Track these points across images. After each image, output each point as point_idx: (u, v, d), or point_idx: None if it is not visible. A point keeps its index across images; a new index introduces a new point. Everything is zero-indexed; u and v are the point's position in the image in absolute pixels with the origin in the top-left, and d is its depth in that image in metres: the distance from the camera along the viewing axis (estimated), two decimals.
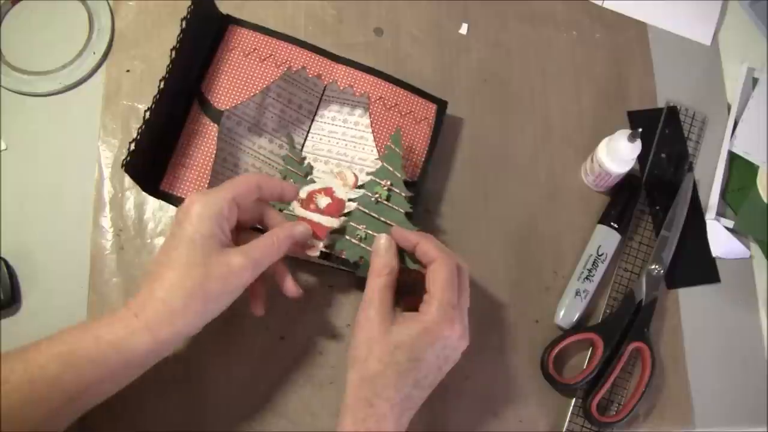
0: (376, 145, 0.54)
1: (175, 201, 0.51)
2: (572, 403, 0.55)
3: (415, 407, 0.45)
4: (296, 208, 0.50)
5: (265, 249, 0.44)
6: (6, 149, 0.56)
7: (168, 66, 0.50)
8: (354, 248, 0.50)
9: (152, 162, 0.51)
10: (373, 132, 0.54)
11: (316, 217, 0.50)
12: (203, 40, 0.54)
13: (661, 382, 0.57)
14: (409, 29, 0.63)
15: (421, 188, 0.54)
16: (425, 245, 0.47)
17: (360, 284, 0.53)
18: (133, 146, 0.47)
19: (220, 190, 0.44)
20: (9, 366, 0.38)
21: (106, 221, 0.55)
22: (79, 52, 0.58)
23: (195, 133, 0.53)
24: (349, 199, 0.51)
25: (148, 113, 0.48)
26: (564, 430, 0.55)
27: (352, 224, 0.50)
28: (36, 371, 0.38)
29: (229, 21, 0.55)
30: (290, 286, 0.48)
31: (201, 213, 0.42)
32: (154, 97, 0.49)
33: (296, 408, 0.52)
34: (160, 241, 0.55)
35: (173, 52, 0.50)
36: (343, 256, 0.50)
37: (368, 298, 0.46)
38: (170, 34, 0.51)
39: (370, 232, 0.50)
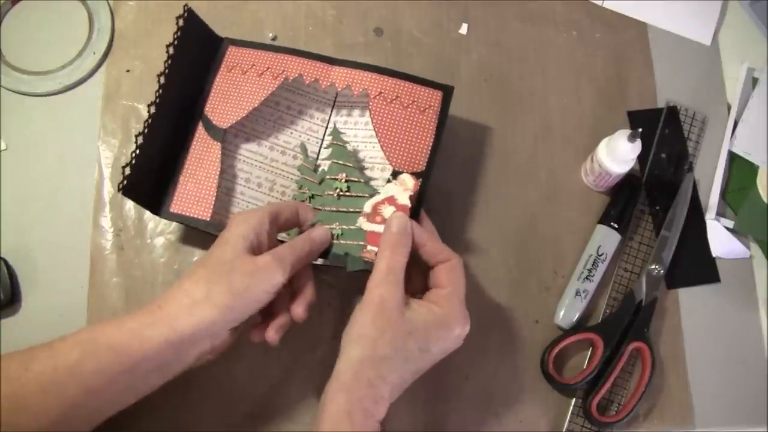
0: (380, 143, 0.53)
1: (185, 221, 0.52)
2: (572, 403, 0.55)
3: (402, 391, 0.44)
4: (363, 223, 0.50)
5: (287, 248, 0.46)
6: (6, 149, 0.56)
7: (156, 92, 0.51)
8: (336, 247, 0.50)
9: (159, 184, 0.52)
10: (374, 129, 0.53)
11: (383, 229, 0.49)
12: (201, 62, 0.55)
13: (661, 382, 0.57)
14: (409, 29, 0.63)
15: (428, 177, 0.52)
16: (437, 245, 0.47)
17: (352, 281, 0.54)
18: (128, 170, 0.49)
19: (262, 208, 0.48)
20: (34, 354, 0.39)
21: (106, 221, 0.55)
22: (79, 52, 0.58)
23: (200, 155, 0.54)
24: (314, 207, 0.52)
25: (140, 138, 0.50)
26: (564, 430, 0.55)
27: (325, 227, 0.51)
28: (59, 358, 0.39)
29: (228, 42, 0.56)
30: (301, 309, 0.48)
31: (239, 222, 0.46)
32: (145, 122, 0.50)
33: (296, 408, 0.52)
34: (160, 240, 0.55)
35: (161, 78, 0.51)
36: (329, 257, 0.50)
37: (381, 277, 0.44)
38: (170, 35, 0.51)
39: (345, 227, 0.51)
